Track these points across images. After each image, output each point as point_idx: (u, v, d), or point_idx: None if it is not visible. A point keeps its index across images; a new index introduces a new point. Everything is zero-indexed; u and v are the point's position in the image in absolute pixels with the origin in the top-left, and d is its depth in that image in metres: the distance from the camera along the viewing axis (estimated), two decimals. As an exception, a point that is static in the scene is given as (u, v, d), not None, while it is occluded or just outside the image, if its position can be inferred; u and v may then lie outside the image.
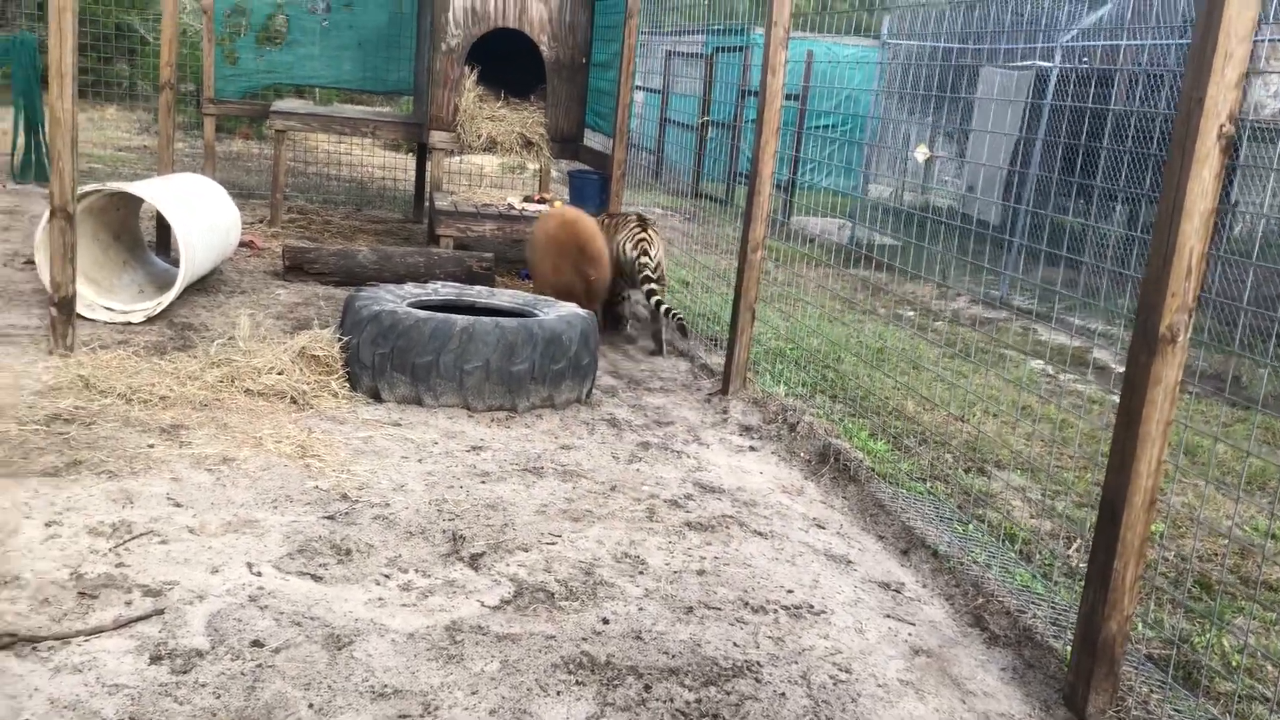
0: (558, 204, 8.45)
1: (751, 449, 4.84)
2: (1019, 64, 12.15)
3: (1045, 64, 11.45)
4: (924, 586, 3.63)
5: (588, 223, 6.56)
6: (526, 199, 8.61)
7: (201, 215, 6.21)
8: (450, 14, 8.32)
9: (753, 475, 4.50)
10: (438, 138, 8.65)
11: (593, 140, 9.38)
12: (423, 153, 10.37)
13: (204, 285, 6.69)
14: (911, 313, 9.44)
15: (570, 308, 5.25)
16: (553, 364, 4.80)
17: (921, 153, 13.43)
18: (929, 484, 4.53)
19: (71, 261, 4.78)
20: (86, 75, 16.06)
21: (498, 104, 8.81)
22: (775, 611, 3.28)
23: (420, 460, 4.17)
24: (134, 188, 5.73)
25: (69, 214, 4.72)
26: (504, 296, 5.45)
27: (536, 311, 5.25)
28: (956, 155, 13.80)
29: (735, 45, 16.57)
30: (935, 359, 7.34)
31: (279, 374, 4.71)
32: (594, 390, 5.27)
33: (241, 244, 8.19)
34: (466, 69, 8.57)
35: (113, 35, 15.29)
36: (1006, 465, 5.08)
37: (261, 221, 9.25)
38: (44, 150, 9.79)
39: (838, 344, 6.97)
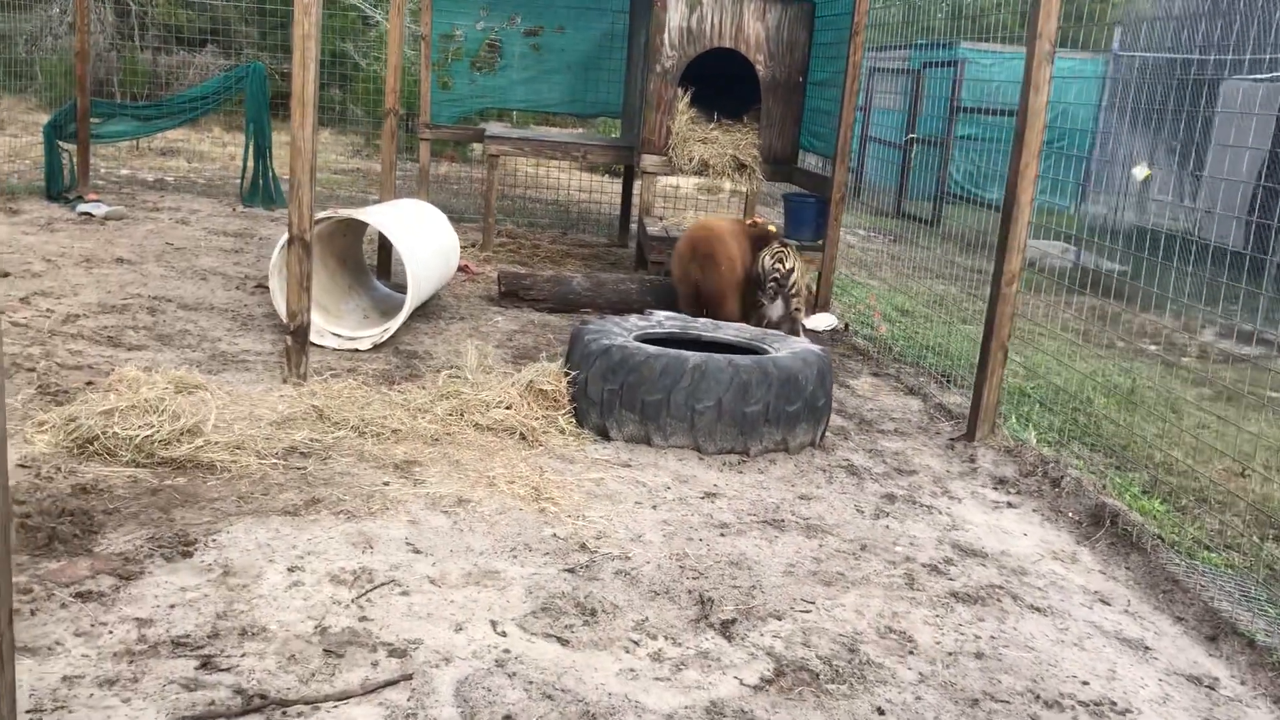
0: (771, 229, 8.16)
1: (1009, 505, 4.39)
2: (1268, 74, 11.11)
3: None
4: (1242, 683, 3.13)
5: (709, 230, 6.64)
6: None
7: (425, 241, 6.20)
8: (666, 35, 8.16)
9: (1016, 537, 4.05)
10: (649, 161, 8.49)
11: (807, 162, 9.04)
12: (629, 176, 10.27)
13: (425, 311, 6.70)
14: (1153, 346, 8.68)
15: (804, 344, 4.92)
16: (787, 405, 4.48)
17: (1141, 170, 12.50)
18: (1223, 553, 3.98)
19: (307, 290, 4.79)
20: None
21: (710, 126, 8.59)
22: (1073, 709, 2.86)
23: (654, 507, 3.93)
24: (364, 214, 5.75)
25: (306, 242, 4.73)
26: (730, 330, 5.17)
27: (767, 348, 4.95)
28: (1192, 173, 12.77)
29: (944, 60, 15.92)
30: (1194, 400, 6.65)
31: (507, 408, 4.58)
32: (826, 433, 4.92)
33: (457, 269, 8.25)
34: (680, 91, 8.39)
35: (327, 61, 15.92)
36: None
37: (473, 245, 9.31)
38: (271, 175, 10.18)
39: (1084, 381, 6.38)
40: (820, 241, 7.79)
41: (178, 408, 4.10)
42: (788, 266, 6.51)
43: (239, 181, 10.37)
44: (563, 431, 4.55)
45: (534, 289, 7.21)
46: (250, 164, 10.15)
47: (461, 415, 4.52)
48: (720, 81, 8.56)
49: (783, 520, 3.93)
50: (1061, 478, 4.50)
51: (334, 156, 15.87)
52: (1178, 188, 12.89)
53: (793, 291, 6.55)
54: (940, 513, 4.22)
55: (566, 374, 4.70)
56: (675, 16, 8.15)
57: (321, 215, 5.69)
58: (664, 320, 5.21)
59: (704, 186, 13.87)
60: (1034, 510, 4.35)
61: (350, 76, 16.35)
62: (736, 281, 6.56)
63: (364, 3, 17.12)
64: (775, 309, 6.64)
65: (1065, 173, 12.37)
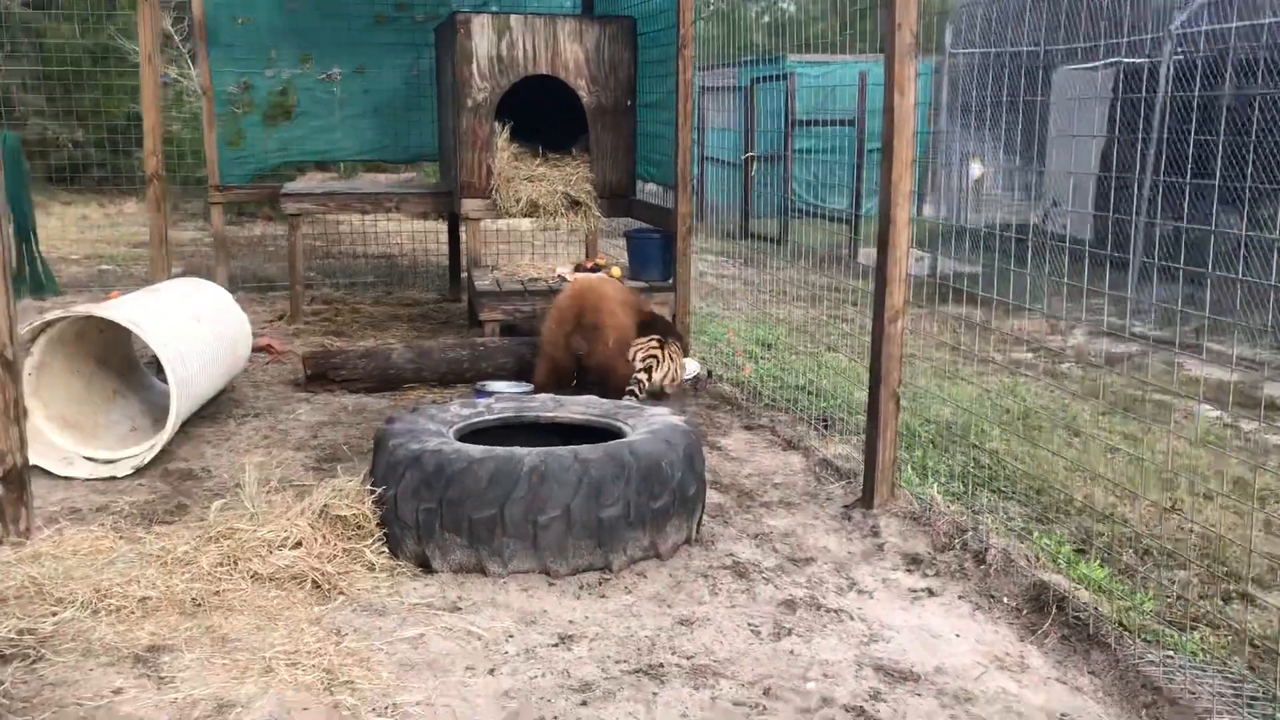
0: (615, 271, 7.32)
1: (930, 594, 3.60)
2: (1103, 60, 10.91)
3: (1138, 59, 10.22)
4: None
5: (597, 295, 5.86)
6: (578, 268, 7.48)
7: (195, 332, 5.11)
8: (474, 65, 7.25)
9: (948, 641, 3.26)
10: (470, 206, 7.56)
11: (647, 193, 8.25)
12: (455, 223, 9.30)
13: (213, 409, 5.59)
14: (1029, 354, 8.19)
15: (664, 418, 4.06)
16: (653, 501, 3.60)
17: (977, 168, 12.24)
18: (1193, 632, 3.27)
19: (17, 421, 3.68)
20: (103, 168, 15.31)
21: (535, 161, 7.72)
22: None
23: (493, 671, 2.98)
24: (105, 310, 4.64)
25: (8, 361, 3.62)
26: (575, 407, 4.27)
27: (621, 424, 4.07)
28: (1031, 167, 12.56)
29: (774, 74, 15.48)
30: (1091, 417, 6.08)
31: (295, 546, 3.56)
32: (702, 522, 4.06)
33: (257, 349, 7.12)
34: (497, 125, 7.49)
35: (126, 126, 14.45)
36: (1272, 581, 3.81)
37: (280, 319, 8.19)
38: (39, 260, 8.83)
39: (972, 409, 5.72)
40: (670, 280, 6.99)
41: None
42: (652, 379, 5.94)
43: None
44: (371, 568, 3.56)
45: (345, 367, 6.17)
46: (10, 249, 8.75)
47: (235, 564, 3.48)
48: (543, 112, 7.71)
49: (661, 665, 3.03)
50: (984, 550, 3.74)
51: (139, 228, 14.32)
52: (1020, 183, 12.68)
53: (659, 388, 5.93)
54: (852, 618, 3.40)
55: (371, 491, 3.71)
56: (483, 44, 7.25)
57: (49, 316, 4.56)
58: (493, 404, 4.27)
59: (544, 227, 13.00)
60: (960, 597, 3.57)
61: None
62: (623, 351, 5.78)
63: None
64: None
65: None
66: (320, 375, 6.18)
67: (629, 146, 7.74)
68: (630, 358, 5.87)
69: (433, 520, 3.50)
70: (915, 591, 3.61)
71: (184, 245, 12.53)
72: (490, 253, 9.96)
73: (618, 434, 4.03)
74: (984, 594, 3.56)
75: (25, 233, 8.69)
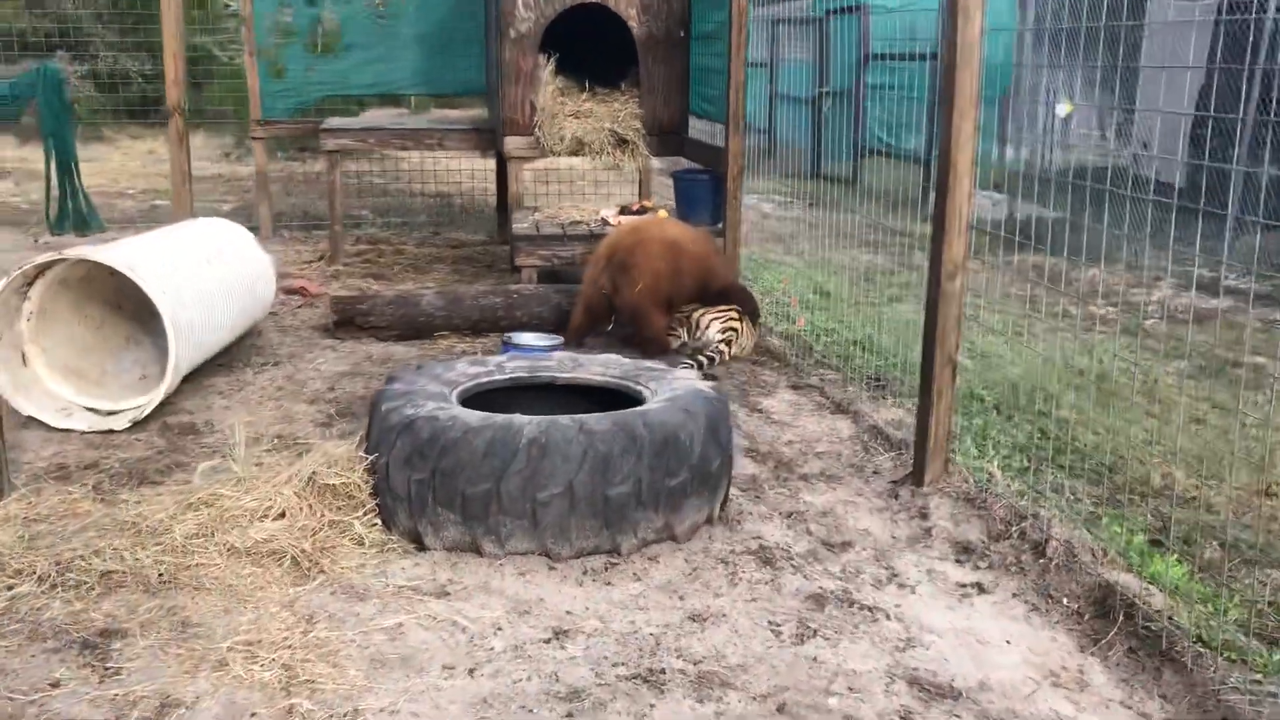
0: (662, 213, 6.89)
1: (980, 590, 3.18)
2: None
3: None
4: None
5: (636, 236, 5.63)
6: (624, 210, 7.07)
7: (207, 277, 4.83)
8: (517, -8, 6.81)
9: (996, 650, 2.85)
10: (514, 144, 7.17)
11: (700, 130, 7.78)
12: (503, 160, 8.92)
13: (228, 357, 5.33)
14: (1109, 309, 7.60)
15: (689, 382, 3.66)
16: (669, 477, 3.23)
17: (1063, 107, 11.49)
18: (1285, 648, 2.81)
19: (-13, 375, 3.43)
20: (161, 105, 15.21)
21: (582, 97, 7.28)
22: None
23: (473, 671, 2.65)
24: (100, 253, 4.37)
25: (-24, 310, 3.36)
26: (594, 367, 3.89)
27: (641, 388, 3.69)
28: (1122, 106, 11.75)
29: (848, 5, 14.71)
30: (1174, 379, 5.54)
31: (279, 517, 3.26)
32: (729, 498, 3.68)
33: (290, 291, 6.88)
34: (541, 58, 7.07)
35: (196, 58, 14.25)
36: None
37: (320, 259, 7.92)
38: (81, 195, 8.67)
39: (1043, 370, 5.22)
40: (720, 225, 6.54)
41: None
42: (731, 352, 5.60)
43: (44, 206, 8.81)
44: (360, 543, 3.25)
45: (374, 314, 5.87)
46: (54, 184, 8.61)
47: (212, 535, 3.20)
48: (591, 44, 7.26)
49: (664, 671, 2.68)
50: (1045, 541, 3.30)
51: (203, 163, 14.19)
52: (1107, 122, 11.88)
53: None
54: (889, 617, 3.00)
55: (363, 458, 3.40)
56: (527, -31, 6.81)
57: (42, 259, 4.30)
58: (505, 363, 3.91)
59: (602, 166, 12.55)
60: (1014, 595, 3.15)
61: (214, 72, 14.73)
62: (657, 301, 5.42)
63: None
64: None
65: (984, 115, 11.27)
66: (347, 321, 5.89)
67: (681, 81, 7.26)
68: (705, 325, 5.57)
69: (425, 493, 3.17)
70: (964, 587, 3.20)
71: (243, 180, 12.37)
72: (539, 193, 9.61)
73: (637, 398, 3.65)
74: (1041, 593, 3.13)
75: (67, 167, 8.53)
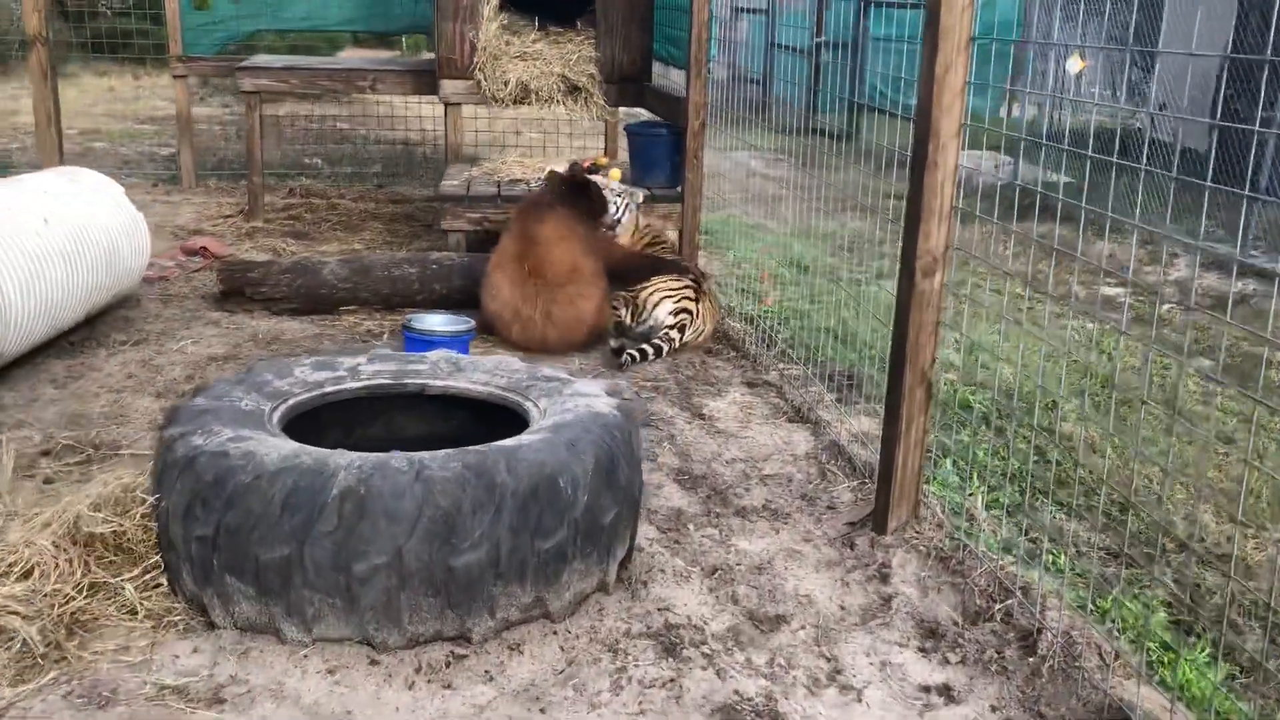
0: (615, 173, 6.03)
1: (946, 695, 2.39)
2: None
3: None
4: None
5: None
6: (573, 167, 6.18)
7: (38, 241, 3.99)
8: (452, -89, 5.90)
9: (963, 808, 2.06)
10: (450, 88, 6.30)
11: (667, 78, 6.90)
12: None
13: (84, 332, 4.52)
14: (1119, 290, 6.78)
15: (588, 399, 2.84)
16: (541, 538, 2.42)
17: (1074, 63, 10.60)
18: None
19: None
20: (144, 36, 14.27)
21: (533, 36, 6.40)
22: None
23: (218, 838, 1.87)
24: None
25: None
26: (477, 374, 3.07)
27: (530, 404, 2.87)
28: (1140, 65, 10.82)
29: (851, -53, 13.68)
30: (1197, 384, 4.73)
31: (25, 576, 2.46)
32: (635, 548, 2.88)
33: (190, 251, 6.04)
34: (485, -10, 6.18)
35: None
36: None
37: (239, 213, 7.07)
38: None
39: (1039, 369, 4.41)
40: (679, 189, 5.69)
41: None
42: (684, 339, 4.80)
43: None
44: (133, 612, 2.46)
45: (267, 284, 5.04)
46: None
47: (-75, 606, 2.40)
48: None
49: (487, 841, 1.89)
50: (1037, 632, 2.50)
51: (161, 104, 13.17)
52: (1121, 80, 10.99)
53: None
54: (821, 745, 2.22)
55: (142, 500, 2.59)
56: (465, -115, 5.90)
57: None
58: (362, 364, 3.08)
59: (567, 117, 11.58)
60: (992, 710, 2.35)
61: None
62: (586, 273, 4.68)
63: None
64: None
65: (989, 72, 10.41)
66: (236, 291, 5.07)
67: (644, 20, 6.37)
68: (653, 305, 4.77)
69: (209, 555, 2.37)
70: (927, 693, 2.41)
71: (200, 123, 11.43)
72: (506, 144, 8.72)
73: (522, 417, 2.84)
74: (1029, 708, 2.34)
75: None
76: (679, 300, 4.82)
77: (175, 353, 4.45)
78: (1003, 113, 11.21)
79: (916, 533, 3.02)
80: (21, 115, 11.79)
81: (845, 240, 6.86)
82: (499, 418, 2.95)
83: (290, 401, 2.80)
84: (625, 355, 4.52)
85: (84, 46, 14.26)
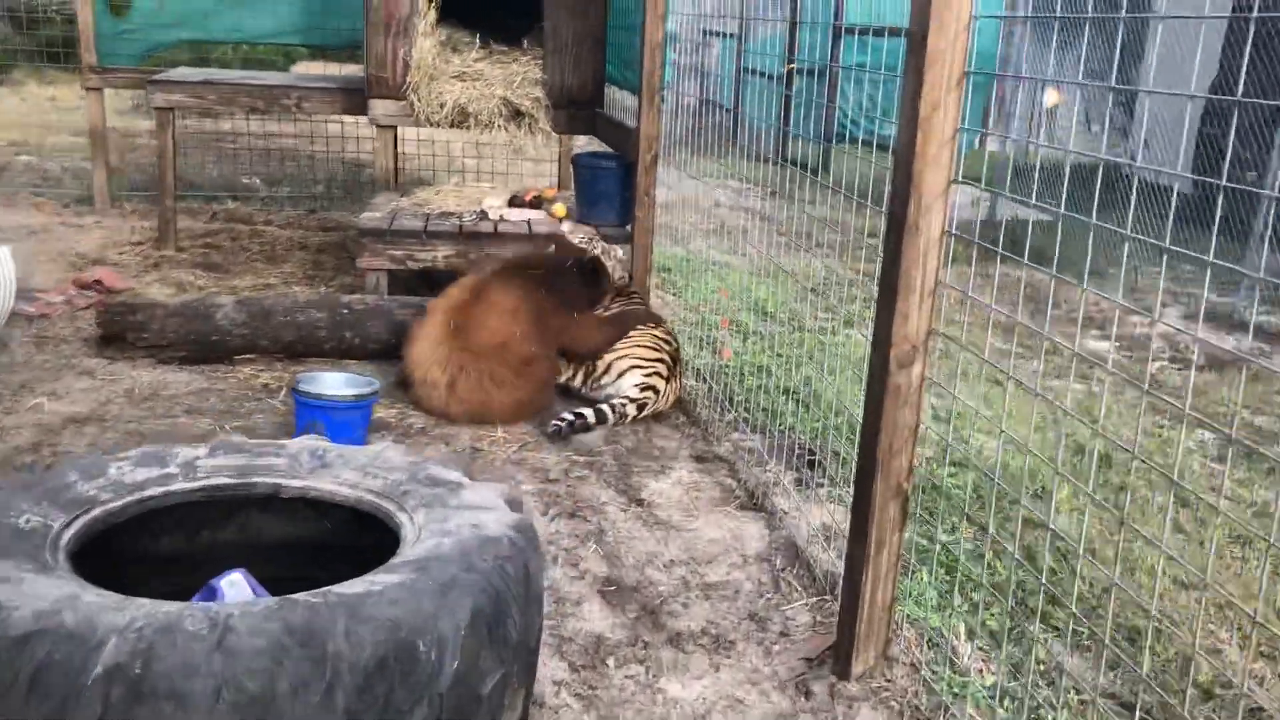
0: (559, 209, 5.46)
1: None
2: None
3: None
4: None
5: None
6: (514, 200, 5.61)
7: None
8: (383, -85, 5.33)
9: None
10: (381, 109, 5.72)
11: (622, 106, 6.34)
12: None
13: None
14: (1105, 344, 6.27)
15: (479, 515, 2.24)
16: (394, 713, 1.81)
17: (1051, 96, 10.19)
18: None
19: None
20: (64, 48, 13.72)
21: (474, 55, 5.83)
22: None
23: None
24: None
25: None
26: (353, 465, 2.46)
27: (406, 516, 2.27)
28: (1120, 104, 10.40)
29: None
30: (1202, 468, 4.20)
31: None
32: (535, 702, 2.28)
33: (84, 286, 5.41)
34: (422, 2, 5.61)
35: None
36: None
37: (143, 242, 6.43)
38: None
39: (1027, 446, 3.86)
40: (628, 228, 5.12)
41: None
42: (639, 415, 4.22)
43: None
44: None
45: (149, 329, 4.41)
46: None
47: None
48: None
49: None
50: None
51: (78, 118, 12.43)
52: (1100, 115, 10.56)
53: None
54: None
55: None
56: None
57: None
58: (199, 457, 2.45)
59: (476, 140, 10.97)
60: None
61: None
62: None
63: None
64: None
65: (966, 103, 9.99)
66: (117, 337, 4.44)
67: (598, 39, 5.82)
68: (617, 372, 4.19)
69: (-65, 745, 1.74)
70: None
71: (139, 136, 10.74)
72: (457, 169, 8.14)
73: (395, 535, 2.25)
74: None
75: None
76: (649, 374, 4.22)
77: (27, 412, 3.81)
78: (978, 145, 10.77)
79: (887, 680, 2.44)
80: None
81: (813, 281, 6.31)
82: (370, 525, 2.35)
83: (94, 512, 2.18)
84: (554, 424, 3.92)
85: (35, 55, 13.61)
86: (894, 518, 2.34)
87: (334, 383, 3.74)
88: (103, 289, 5.37)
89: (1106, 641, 2.15)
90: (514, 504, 2.36)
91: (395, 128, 5.91)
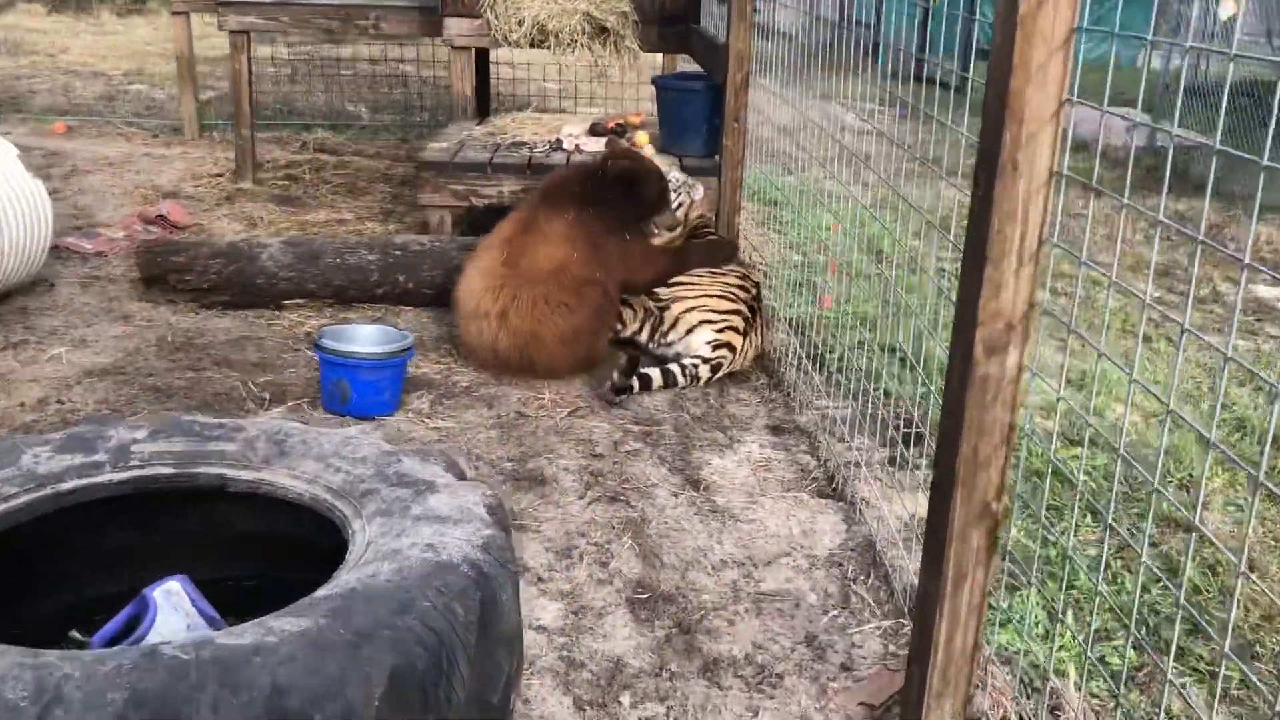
0: (642, 137, 4.92)
1: None
2: None
3: None
4: None
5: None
6: (595, 128, 5.10)
7: None
8: None
9: None
10: (456, 27, 5.26)
11: (720, 17, 5.71)
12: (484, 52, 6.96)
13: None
14: (1271, 290, 5.41)
15: (434, 537, 1.79)
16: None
17: (1226, 7, 9.02)
18: None
19: None
20: None
21: (557, -35, 5.29)
22: None
23: None
24: None
25: None
26: (315, 454, 2.04)
27: (358, 520, 1.85)
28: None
29: None
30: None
31: None
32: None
33: (149, 220, 5.17)
34: (499, -91, 5.09)
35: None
36: None
37: (220, 175, 6.17)
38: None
39: (1162, 417, 3.19)
40: (715, 156, 4.55)
41: None
42: (714, 377, 3.71)
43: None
44: None
45: (193, 270, 4.10)
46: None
47: None
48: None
49: None
50: None
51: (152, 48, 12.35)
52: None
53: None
54: None
55: None
56: None
57: None
58: (134, 440, 2.07)
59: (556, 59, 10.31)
60: None
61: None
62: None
63: None
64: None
65: (1120, 11, 8.98)
66: (158, 279, 4.15)
67: (693, -54, 5.19)
68: (686, 326, 3.71)
69: None
70: None
71: (259, 62, 10.57)
72: (567, 93, 7.67)
73: (342, 545, 1.82)
74: None
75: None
76: (722, 329, 3.71)
77: (47, 362, 3.55)
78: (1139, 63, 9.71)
79: (965, 744, 1.91)
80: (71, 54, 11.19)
81: (938, 214, 5.61)
82: (326, 526, 1.94)
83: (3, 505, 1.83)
84: (609, 385, 3.44)
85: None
86: (978, 547, 1.79)
87: (364, 337, 3.35)
88: (167, 225, 5.12)
89: (1265, 690, 1.58)
90: (494, 512, 1.91)
91: (473, 49, 5.44)
